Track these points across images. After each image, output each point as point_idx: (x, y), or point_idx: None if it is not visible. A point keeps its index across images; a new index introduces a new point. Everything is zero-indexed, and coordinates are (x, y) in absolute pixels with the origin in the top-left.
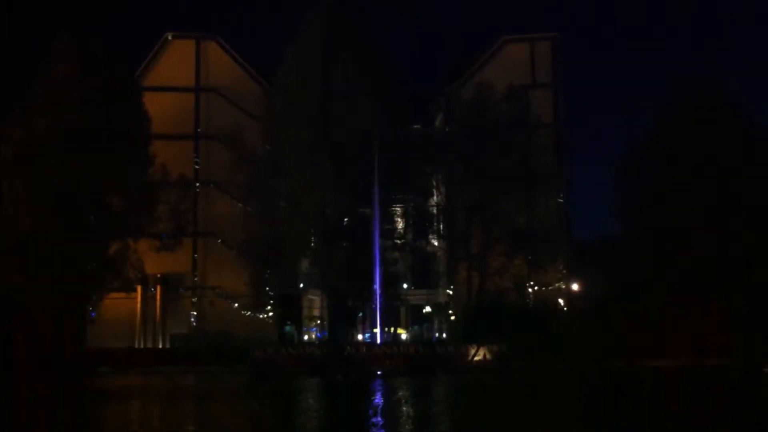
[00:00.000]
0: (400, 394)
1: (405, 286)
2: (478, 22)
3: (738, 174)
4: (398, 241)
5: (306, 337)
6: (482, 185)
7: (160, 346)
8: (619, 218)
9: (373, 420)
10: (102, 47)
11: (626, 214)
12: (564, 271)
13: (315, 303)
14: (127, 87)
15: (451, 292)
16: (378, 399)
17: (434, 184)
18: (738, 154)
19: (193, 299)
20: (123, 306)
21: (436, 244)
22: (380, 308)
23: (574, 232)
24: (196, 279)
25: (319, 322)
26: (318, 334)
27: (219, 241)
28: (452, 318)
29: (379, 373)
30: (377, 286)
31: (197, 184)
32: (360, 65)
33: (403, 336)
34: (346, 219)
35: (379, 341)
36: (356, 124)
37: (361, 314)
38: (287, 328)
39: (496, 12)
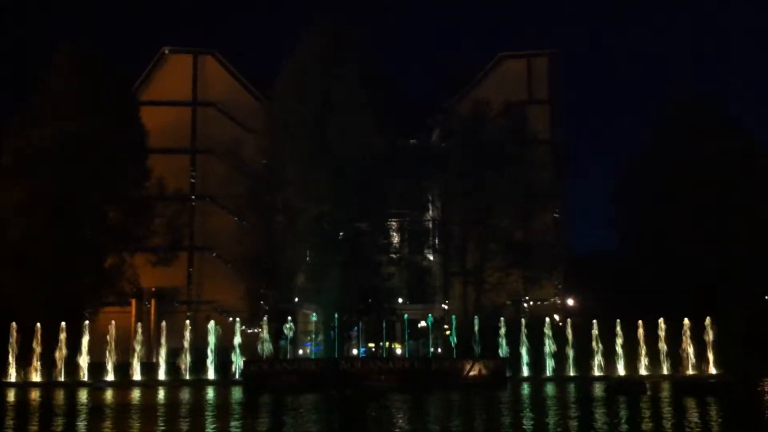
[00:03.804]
0: (392, 410)
1: (400, 300)
2: (476, 37)
3: (738, 186)
4: (394, 256)
5: (301, 352)
6: (478, 200)
7: (155, 360)
8: (617, 231)
9: None
10: (101, 59)
11: (625, 225)
12: (560, 286)
13: (310, 318)
14: (125, 99)
15: (446, 307)
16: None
17: (430, 198)
18: (738, 167)
19: (188, 313)
20: (118, 320)
21: (431, 258)
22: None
23: (570, 247)
24: (191, 293)
25: (314, 336)
26: (313, 349)
27: (215, 255)
28: (448, 333)
29: (374, 388)
30: None
31: (193, 198)
32: (358, 79)
33: (399, 350)
34: (341, 233)
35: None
36: (354, 137)
37: (356, 329)
38: (282, 342)
39: (495, 27)
